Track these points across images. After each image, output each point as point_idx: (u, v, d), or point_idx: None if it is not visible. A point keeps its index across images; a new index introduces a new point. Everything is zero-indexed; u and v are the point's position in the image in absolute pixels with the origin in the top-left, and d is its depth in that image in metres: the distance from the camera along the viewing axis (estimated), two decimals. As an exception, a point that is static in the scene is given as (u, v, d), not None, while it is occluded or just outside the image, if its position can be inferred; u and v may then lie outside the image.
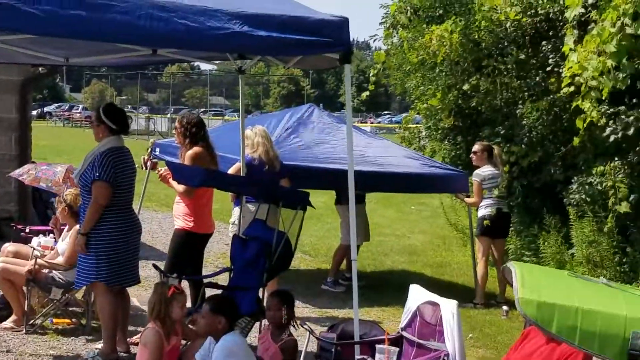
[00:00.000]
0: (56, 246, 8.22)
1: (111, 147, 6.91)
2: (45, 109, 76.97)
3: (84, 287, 7.58)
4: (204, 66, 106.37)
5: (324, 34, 5.74)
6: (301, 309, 9.40)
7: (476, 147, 10.33)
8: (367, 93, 12.29)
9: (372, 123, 73.18)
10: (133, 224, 7.11)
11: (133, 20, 5.22)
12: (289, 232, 7.06)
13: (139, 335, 7.31)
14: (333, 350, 5.90)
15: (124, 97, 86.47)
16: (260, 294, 7.02)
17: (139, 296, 9.17)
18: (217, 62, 8.94)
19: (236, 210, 8.90)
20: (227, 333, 5.57)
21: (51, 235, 8.76)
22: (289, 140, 10.25)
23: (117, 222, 6.91)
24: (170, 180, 7.72)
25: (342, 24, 5.80)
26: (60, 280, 7.82)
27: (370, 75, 12.51)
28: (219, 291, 7.32)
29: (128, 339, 7.38)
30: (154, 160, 11.11)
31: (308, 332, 6.03)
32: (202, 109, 74.23)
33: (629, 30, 7.98)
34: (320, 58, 6.62)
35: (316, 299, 9.98)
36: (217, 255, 12.13)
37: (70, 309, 8.18)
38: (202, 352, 5.75)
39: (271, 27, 5.53)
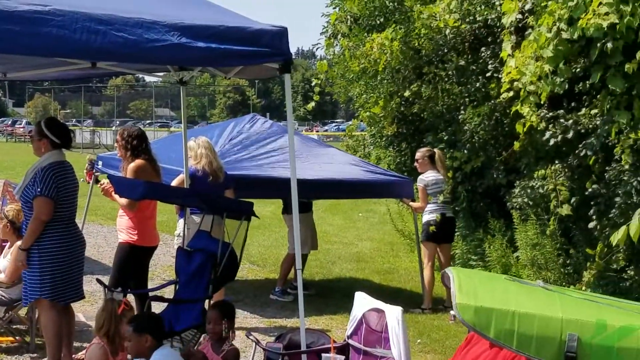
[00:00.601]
0: (-3, 263, 8.09)
1: (52, 161, 6.82)
2: (-12, 124, 76.04)
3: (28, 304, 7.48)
4: (149, 78, 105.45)
5: (263, 44, 5.75)
6: (249, 319, 9.39)
7: (418, 154, 10.42)
8: (313, 104, 12.29)
9: (317, 131, 73.28)
10: (77, 238, 7.02)
11: (69, 33, 5.17)
12: (234, 243, 7.04)
13: (84, 351, 7.24)
14: (280, 360, 5.89)
15: (68, 111, 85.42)
16: (206, 306, 6.98)
17: (85, 311, 9.08)
18: (158, 74, 8.83)
19: (181, 222, 8.86)
20: (156, 349, 5.54)
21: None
22: (233, 150, 10.24)
23: (60, 237, 6.83)
24: (113, 193, 7.66)
25: (281, 34, 5.81)
26: (3, 297, 7.70)
27: (314, 84, 12.54)
28: (165, 304, 7.28)
29: (73, 355, 7.29)
30: (96, 173, 11.06)
31: (254, 343, 6.02)
32: (147, 121, 73.77)
33: (565, 35, 8.10)
34: (260, 68, 6.62)
35: (264, 309, 9.96)
36: (164, 268, 12.05)
37: (14, 326, 8.06)
38: None
39: (210, 38, 5.52)
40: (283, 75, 6.05)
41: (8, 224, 7.78)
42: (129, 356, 6.27)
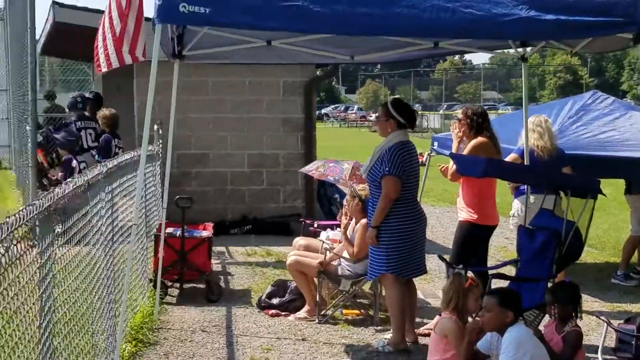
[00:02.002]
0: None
1: (399, 141, 7.03)
2: (322, 111, 79.83)
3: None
4: (476, 60, 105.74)
5: (614, 14, 5.52)
6: (590, 302, 9.09)
7: None
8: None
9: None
10: (419, 215, 7.25)
11: (418, 13, 5.28)
12: (579, 223, 6.82)
13: (428, 326, 7.40)
14: (633, 343, 5.64)
15: (397, 96, 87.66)
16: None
17: (423, 289, 9.24)
18: (497, 50, 8.80)
19: (515, 203, 8.80)
20: (511, 326, 5.50)
21: (338, 229, 9.02)
22: (572, 128, 9.92)
23: (405, 214, 7.07)
24: (449, 174, 7.80)
25: (633, 3, 5.54)
26: (349, 272, 8.03)
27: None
28: (506, 283, 7.23)
29: (416, 330, 7.46)
30: (431, 154, 11.26)
31: (605, 325, 5.81)
32: (475, 104, 73.97)
33: None
34: (609, 39, 6.37)
35: (606, 293, 9.58)
36: (497, 249, 11.98)
37: (358, 300, 8.40)
38: (484, 343, 5.73)
39: (558, 10, 5.40)
40: (636, 46, 5.80)
41: (360, 202, 8.02)
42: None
